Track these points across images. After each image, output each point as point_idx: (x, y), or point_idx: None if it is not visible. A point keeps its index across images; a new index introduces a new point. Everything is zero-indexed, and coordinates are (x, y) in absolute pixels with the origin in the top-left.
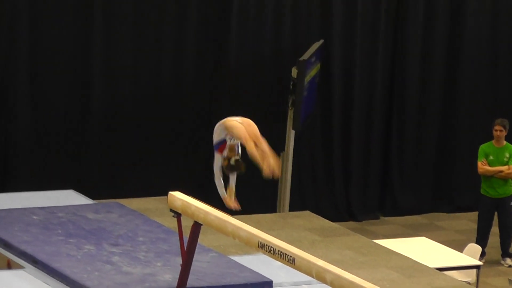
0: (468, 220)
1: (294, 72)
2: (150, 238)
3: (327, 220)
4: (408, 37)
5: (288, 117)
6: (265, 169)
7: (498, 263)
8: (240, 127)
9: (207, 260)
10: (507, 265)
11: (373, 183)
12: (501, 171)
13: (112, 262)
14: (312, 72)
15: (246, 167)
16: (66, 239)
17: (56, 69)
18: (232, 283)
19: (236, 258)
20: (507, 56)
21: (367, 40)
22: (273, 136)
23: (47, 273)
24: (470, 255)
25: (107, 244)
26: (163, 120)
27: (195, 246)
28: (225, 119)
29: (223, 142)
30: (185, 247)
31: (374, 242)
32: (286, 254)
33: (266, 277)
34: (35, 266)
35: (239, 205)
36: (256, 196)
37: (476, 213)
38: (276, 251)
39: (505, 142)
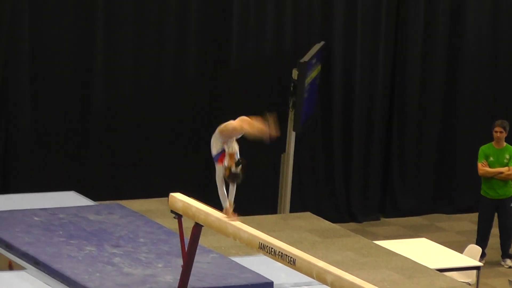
0: (469, 221)
1: (295, 73)
2: (151, 239)
3: (327, 221)
4: (408, 38)
5: (289, 119)
6: (265, 133)
7: (498, 264)
8: (230, 122)
9: (208, 261)
10: (507, 266)
11: (373, 184)
12: (501, 173)
13: (113, 263)
14: (313, 73)
15: (245, 170)
16: (68, 240)
17: (56, 69)
18: (233, 284)
19: (237, 259)
20: (507, 56)
21: (367, 41)
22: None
23: (49, 274)
24: (470, 256)
25: (108, 245)
26: (163, 120)
27: (196, 247)
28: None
29: (221, 153)
30: (186, 248)
31: (375, 243)
32: (286, 255)
33: (266, 278)
34: (37, 267)
35: (237, 218)
36: (256, 197)
37: (476, 214)
38: (277, 252)
39: (505, 144)
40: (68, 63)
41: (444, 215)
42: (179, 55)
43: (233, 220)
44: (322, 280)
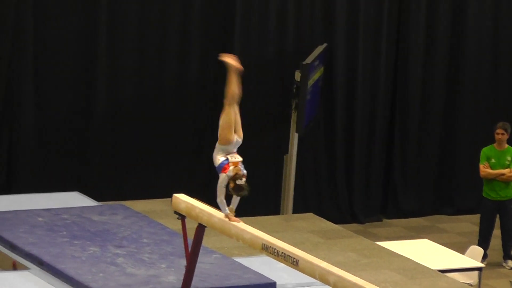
0: (470, 223)
1: (298, 75)
2: (154, 240)
3: (330, 222)
4: (410, 39)
5: (292, 120)
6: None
7: (499, 265)
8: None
9: (211, 261)
10: (508, 267)
11: (375, 185)
12: (503, 174)
13: (116, 263)
14: (316, 75)
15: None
16: (71, 241)
17: (60, 70)
18: (235, 284)
19: (240, 260)
20: (508, 58)
21: (369, 43)
22: (276, 139)
23: (52, 275)
24: (472, 257)
25: (112, 246)
26: (166, 121)
27: (199, 248)
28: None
29: (226, 163)
30: (189, 249)
31: (377, 244)
32: (289, 256)
33: (269, 279)
34: (40, 268)
35: (239, 220)
36: (259, 198)
37: (478, 215)
38: (280, 253)
39: (506, 145)
40: (71, 64)
41: (446, 216)
42: (182, 56)
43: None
44: (325, 281)
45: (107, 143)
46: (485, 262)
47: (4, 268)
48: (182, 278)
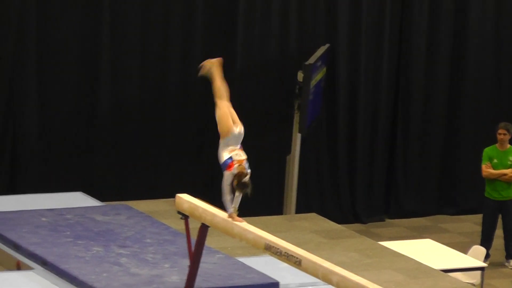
0: (472, 223)
1: (300, 76)
2: (157, 240)
3: (332, 222)
4: (412, 41)
5: (294, 121)
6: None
7: (502, 265)
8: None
9: (214, 261)
10: (511, 267)
11: (378, 185)
12: (505, 174)
13: (120, 263)
14: (318, 76)
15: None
16: (75, 241)
17: (63, 71)
18: (238, 284)
19: (243, 260)
20: (511, 59)
21: (372, 43)
22: (279, 139)
23: (56, 274)
24: (475, 257)
25: (115, 246)
26: (169, 122)
27: (202, 247)
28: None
29: (230, 161)
30: (193, 249)
31: (379, 244)
32: (292, 255)
33: (272, 279)
34: (44, 267)
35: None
36: (262, 199)
37: (480, 215)
38: (283, 253)
39: (508, 146)
40: (74, 64)
41: (448, 216)
42: (185, 57)
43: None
44: (328, 281)
45: (110, 143)
46: (488, 262)
47: (8, 268)
48: (185, 278)
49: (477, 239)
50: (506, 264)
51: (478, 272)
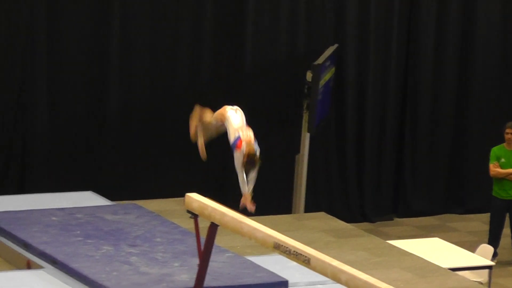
0: (480, 222)
1: (309, 76)
2: (167, 239)
3: (341, 221)
4: (420, 41)
5: (303, 120)
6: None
7: (510, 263)
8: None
9: (223, 260)
10: None
11: (386, 184)
12: None
13: (130, 262)
14: (327, 76)
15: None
16: (85, 240)
17: (73, 71)
18: (248, 283)
19: (252, 259)
20: None
21: (380, 44)
22: (288, 139)
23: (66, 273)
24: (483, 256)
25: (125, 245)
26: (179, 121)
27: (212, 246)
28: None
29: (238, 140)
30: (202, 248)
31: (388, 243)
32: (301, 254)
33: (281, 277)
34: (54, 266)
35: (254, 207)
36: (271, 198)
37: (488, 214)
38: (292, 252)
39: None
40: (84, 65)
41: (456, 215)
42: (194, 57)
43: (250, 209)
44: (337, 279)
45: (120, 143)
46: (495, 261)
47: (19, 267)
48: (195, 276)
49: (485, 238)
50: None
51: (486, 271)
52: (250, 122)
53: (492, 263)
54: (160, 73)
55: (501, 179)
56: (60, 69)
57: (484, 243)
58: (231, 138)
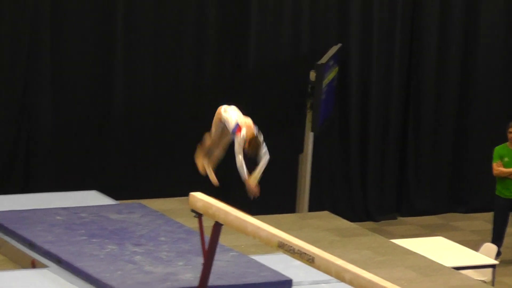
0: (484, 221)
1: (313, 75)
2: (171, 238)
3: (345, 220)
4: (423, 40)
5: (307, 120)
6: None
7: None
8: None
9: (228, 259)
10: None
11: (389, 184)
12: None
13: (134, 261)
14: (330, 75)
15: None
16: (89, 239)
17: (76, 70)
18: (252, 282)
19: (256, 258)
20: None
21: (383, 43)
22: (292, 138)
23: (71, 272)
24: (486, 255)
25: (130, 244)
26: (183, 121)
27: (216, 245)
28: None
29: (237, 125)
30: (206, 247)
31: (392, 242)
32: (305, 253)
33: (286, 276)
34: (59, 266)
35: (258, 192)
36: (275, 197)
37: (491, 213)
38: (296, 251)
39: None
40: (88, 65)
41: (459, 214)
42: (198, 58)
43: (255, 194)
44: (341, 278)
45: (125, 142)
46: (499, 260)
47: (23, 267)
48: (199, 275)
49: (488, 237)
50: None
51: (490, 270)
52: (253, 121)
53: (495, 262)
54: (163, 73)
55: (504, 178)
56: (63, 69)
57: (488, 242)
58: (231, 126)
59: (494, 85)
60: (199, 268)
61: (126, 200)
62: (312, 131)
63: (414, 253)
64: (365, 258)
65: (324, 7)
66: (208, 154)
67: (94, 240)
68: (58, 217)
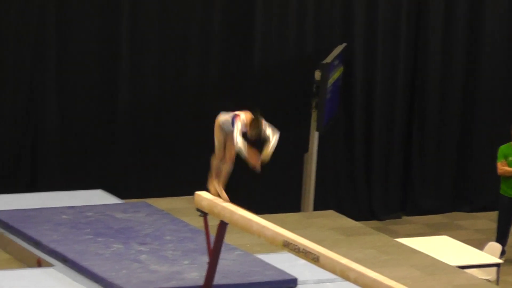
0: (488, 220)
1: (318, 75)
2: (177, 237)
3: (350, 219)
4: (429, 39)
5: (312, 119)
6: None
7: None
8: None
9: (233, 258)
10: None
11: (394, 183)
12: None
13: (139, 260)
14: (335, 75)
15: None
16: (95, 238)
17: (82, 69)
18: (257, 280)
19: (261, 257)
20: None
21: (388, 43)
22: (297, 137)
23: (76, 271)
24: (491, 254)
25: (135, 243)
26: (189, 120)
27: (221, 244)
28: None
29: (235, 115)
30: (211, 246)
31: (396, 241)
32: (310, 252)
33: (290, 275)
34: (65, 264)
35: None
36: (280, 196)
37: (496, 212)
38: (301, 250)
39: None
40: (94, 63)
41: (464, 213)
42: (204, 58)
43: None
44: (346, 277)
45: (130, 141)
46: (503, 259)
47: (29, 265)
48: (204, 274)
49: (493, 236)
50: None
51: (494, 269)
52: None
53: (500, 261)
54: (169, 72)
55: (509, 177)
56: (69, 69)
57: (492, 241)
58: (229, 120)
59: (499, 84)
60: (204, 267)
61: (132, 199)
62: (317, 130)
63: (419, 252)
64: (369, 257)
65: (329, 7)
66: (217, 174)
67: (99, 239)
68: (64, 216)
